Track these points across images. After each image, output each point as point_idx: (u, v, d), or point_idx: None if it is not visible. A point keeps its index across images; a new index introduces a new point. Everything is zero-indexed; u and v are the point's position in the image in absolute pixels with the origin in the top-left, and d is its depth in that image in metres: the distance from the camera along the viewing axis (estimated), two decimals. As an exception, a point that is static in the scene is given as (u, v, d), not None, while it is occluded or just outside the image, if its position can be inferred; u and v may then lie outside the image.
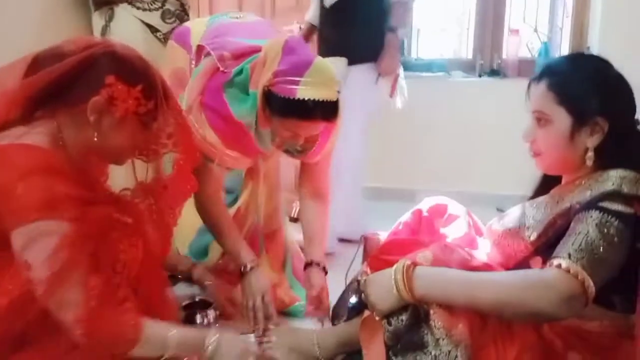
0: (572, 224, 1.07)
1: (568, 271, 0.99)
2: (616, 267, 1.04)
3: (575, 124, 1.14)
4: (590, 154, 1.13)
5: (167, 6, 2.00)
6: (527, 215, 1.19)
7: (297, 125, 1.39)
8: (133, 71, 1.07)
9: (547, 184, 1.27)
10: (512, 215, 1.25)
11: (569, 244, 1.03)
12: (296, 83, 1.31)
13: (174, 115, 1.18)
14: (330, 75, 1.36)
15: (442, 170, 3.14)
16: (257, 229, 1.81)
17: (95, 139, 1.06)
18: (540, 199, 1.21)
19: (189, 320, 1.58)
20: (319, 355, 1.34)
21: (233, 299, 1.67)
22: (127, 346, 1.00)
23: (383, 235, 1.45)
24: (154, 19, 1.97)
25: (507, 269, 1.17)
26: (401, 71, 2.38)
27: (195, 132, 1.44)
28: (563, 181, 1.23)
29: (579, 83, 1.16)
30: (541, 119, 1.18)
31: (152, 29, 1.97)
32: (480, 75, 3.22)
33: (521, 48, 3.25)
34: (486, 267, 1.14)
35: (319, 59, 1.37)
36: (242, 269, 1.54)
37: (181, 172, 1.22)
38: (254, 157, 1.63)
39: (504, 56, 3.23)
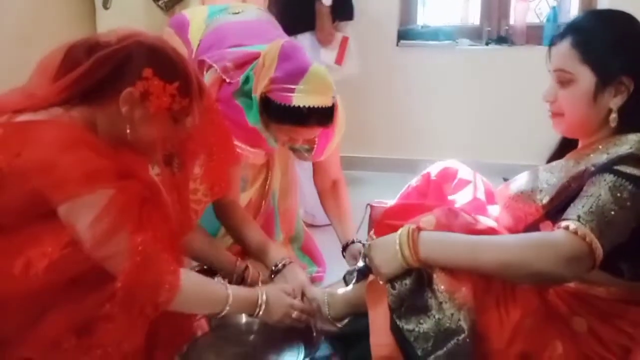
0: (584, 187, 1.05)
1: (575, 233, 0.99)
2: (626, 231, 1.02)
3: (599, 84, 1.10)
4: (614, 115, 1.10)
5: (168, -26, 1.96)
6: (540, 179, 1.17)
7: (293, 131, 1.43)
8: (171, 67, 1.07)
9: (563, 149, 1.24)
10: (524, 179, 1.23)
11: (579, 206, 1.02)
12: (292, 90, 1.34)
13: (209, 114, 1.21)
14: (325, 82, 1.38)
15: (449, 140, 3.13)
16: (272, 211, 1.84)
17: (128, 131, 1.06)
18: (555, 163, 1.19)
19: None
20: (329, 315, 1.35)
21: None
22: (168, 294, 1.01)
23: (390, 203, 1.45)
24: (155, -13, 1.94)
25: (517, 232, 1.17)
26: (350, 37, 2.47)
27: None
28: (580, 145, 1.20)
29: (604, 40, 1.11)
30: (563, 78, 1.14)
31: (153, -2, 1.94)
32: (487, 43, 3.16)
33: (529, 14, 3.18)
34: (491, 232, 1.13)
35: (314, 65, 1.38)
36: (274, 267, 1.49)
37: (211, 174, 1.26)
38: (271, 151, 1.66)
39: (511, 22, 3.17)
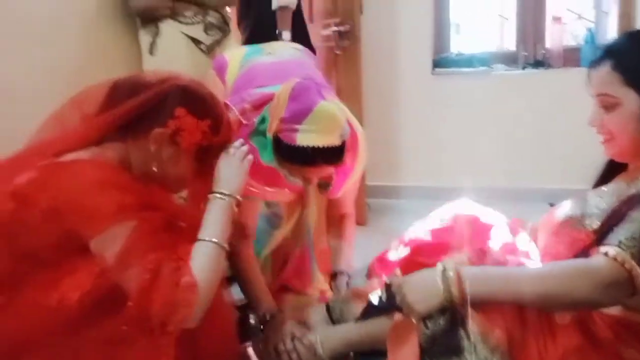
0: (630, 212, 1.03)
1: (615, 259, 0.97)
2: None
3: None
4: None
5: (209, 19, 2.05)
6: (590, 203, 1.15)
7: (304, 170, 1.43)
8: (203, 105, 1.13)
9: (610, 172, 1.23)
10: (572, 204, 1.21)
11: (621, 232, 1.01)
12: (296, 130, 1.33)
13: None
14: (331, 122, 1.35)
15: (488, 166, 3.10)
16: (307, 249, 1.82)
17: (154, 168, 1.12)
18: (605, 187, 1.17)
19: (243, 321, 1.61)
20: (322, 355, 1.33)
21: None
22: (186, 311, 0.99)
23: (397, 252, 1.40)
24: (197, 32, 2.03)
25: (567, 259, 1.14)
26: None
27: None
28: (630, 167, 1.18)
29: None
30: (607, 103, 1.13)
31: (195, 42, 2.03)
32: (523, 67, 3.15)
33: (565, 36, 3.16)
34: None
35: (321, 105, 1.35)
36: (263, 317, 1.53)
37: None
38: (294, 189, 1.65)
39: (547, 46, 3.16)
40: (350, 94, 2.71)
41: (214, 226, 1.12)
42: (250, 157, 1.25)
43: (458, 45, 3.43)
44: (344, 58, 2.80)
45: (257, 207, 1.64)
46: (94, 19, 2.10)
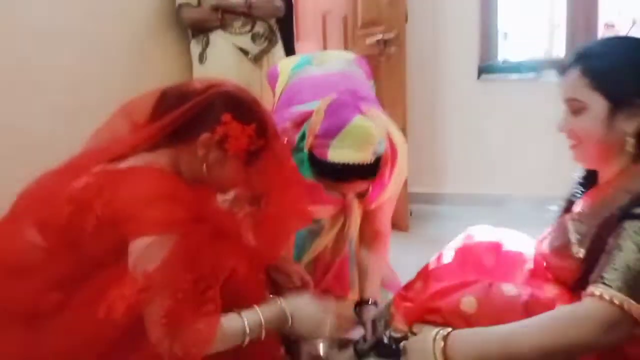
0: (609, 239, 1.01)
1: (603, 298, 0.94)
2: None
3: (612, 108, 1.08)
4: (631, 139, 1.08)
5: (257, 29, 2.12)
6: (570, 230, 1.14)
7: (337, 185, 1.42)
8: (248, 111, 1.16)
9: (583, 187, 1.23)
10: (554, 233, 1.20)
11: (603, 266, 0.98)
12: (327, 146, 1.33)
13: (280, 157, 1.26)
14: (363, 138, 1.33)
15: (532, 174, 3.04)
16: (347, 258, 1.84)
17: (204, 172, 1.16)
18: (580, 209, 1.16)
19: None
20: None
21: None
22: (203, 346, 1.01)
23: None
24: (245, 42, 2.10)
25: (569, 291, 1.12)
26: None
27: None
28: (600, 181, 1.17)
29: (612, 65, 1.10)
30: (575, 107, 1.13)
31: (243, 51, 2.10)
32: (573, 74, 3.07)
33: (618, 43, 3.07)
34: (539, 300, 1.09)
35: (355, 121, 1.34)
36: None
37: (285, 207, 1.29)
38: (336, 202, 1.65)
39: (599, 52, 3.07)
40: (395, 101, 2.72)
41: (255, 316, 1.12)
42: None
43: (505, 52, 3.38)
44: (388, 66, 2.81)
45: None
46: (147, 32, 2.19)
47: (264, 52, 2.09)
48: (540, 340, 0.97)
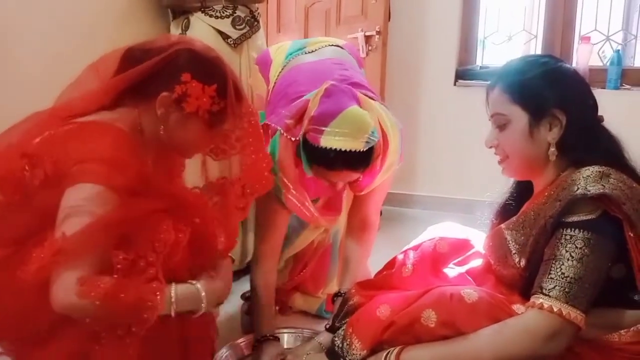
0: (545, 249, 1.05)
1: (543, 308, 0.97)
2: (601, 276, 0.99)
3: (532, 119, 1.13)
4: (553, 149, 1.12)
5: (238, 13, 2.07)
6: (508, 240, 1.16)
7: (327, 174, 1.39)
8: (210, 71, 1.12)
9: (516, 198, 1.26)
10: (491, 244, 1.23)
11: (541, 276, 1.01)
12: (321, 132, 1.31)
13: (244, 118, 1.22)
14: (358, 126, 1.32)
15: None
16: (329, 248, 1.84)
17: (161, 132, 1.12)
18: (515, 219, 1.18)
19: (250, 310, 1.64)
20: None
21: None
22: (150, 312, 0.97)
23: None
24: (225, 26, 2.05)
25: (520, 297, 1.12)
26: None
27: (307, 208, 1.50)
28: (535, 191, 1.21)
29: (530, 79, 1.15)
30: (500, 122, 1.18)
31: (224, 35, 2.05)
32: (547, 84, 3.12)
33: (592, 56, 3.14)
34: (502, 303, 1.08)
35: (350, 109, 1.33)
36: (258, 337, 1.55)
37: (250, 172, 1.25)
38: (326, 193, 1.63)
39: (574, 65, 3.13)
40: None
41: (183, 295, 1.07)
42: None
43: (483, 58, 3.42)
44: (368, 62, 2.81)
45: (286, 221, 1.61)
46: (127, 12, 2.13)
47: (244, 37, 2.04)
48: (488, 354, 1.00)
